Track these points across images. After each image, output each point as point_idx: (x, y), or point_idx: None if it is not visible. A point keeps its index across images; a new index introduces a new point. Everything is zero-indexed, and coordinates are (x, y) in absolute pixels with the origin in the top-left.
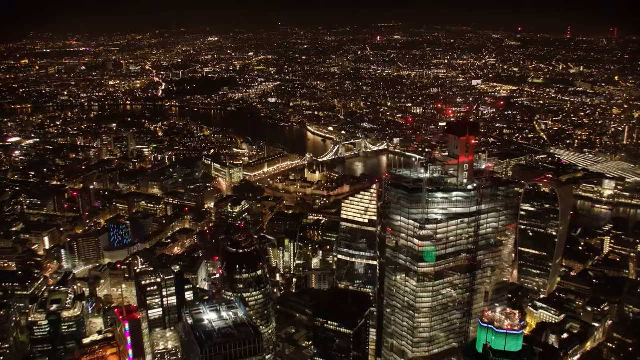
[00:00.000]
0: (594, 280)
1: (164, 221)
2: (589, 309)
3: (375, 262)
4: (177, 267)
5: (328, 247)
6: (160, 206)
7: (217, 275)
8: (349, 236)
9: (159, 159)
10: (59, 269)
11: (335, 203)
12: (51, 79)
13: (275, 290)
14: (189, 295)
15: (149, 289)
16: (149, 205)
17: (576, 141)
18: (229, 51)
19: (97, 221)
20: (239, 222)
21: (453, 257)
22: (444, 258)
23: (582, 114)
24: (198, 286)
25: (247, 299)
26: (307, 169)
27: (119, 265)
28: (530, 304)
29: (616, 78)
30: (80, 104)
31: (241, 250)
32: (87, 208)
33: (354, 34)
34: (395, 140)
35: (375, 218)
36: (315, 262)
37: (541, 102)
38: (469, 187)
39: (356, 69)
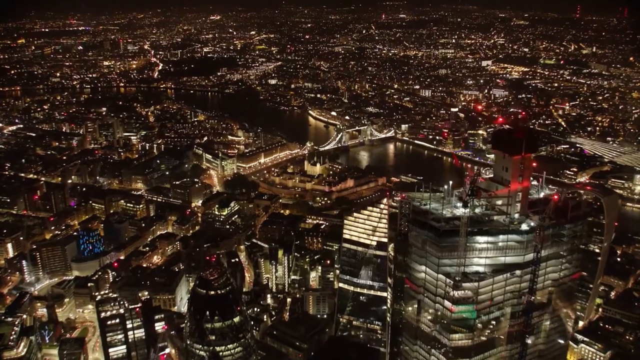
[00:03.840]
0: None
1: (144, 224)
2: None
3: (385, 294)
4: (146, 292)
5: (329, 262)
6: (141, 206)
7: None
8: (353, 261)
9: (147, 148)
10: (20, 282)
11: (337, 201)
12: (46, 59)
13: (265, 318)
14: (159, 327)
15: (109, 322)
16: (129, 204)
17: (597, 128)
18: (230, 30)
19: (71, 223)
20: (210, 256)
21: (498, 322)
22: (486, 325)
23: (600, 97)
24: (175, 308)
25: (221, 354)
26: (307, 161)
27: None
28: None
29: (631, 59)
30: (72, 86)
31: (213, 292)
32: (60, 207)
33: (358, 12)
34: (403, 126)
35: (385, 240)
36: (313, 276)
37: (555, 84)
38: (524, 227)
39: (361, 48)
